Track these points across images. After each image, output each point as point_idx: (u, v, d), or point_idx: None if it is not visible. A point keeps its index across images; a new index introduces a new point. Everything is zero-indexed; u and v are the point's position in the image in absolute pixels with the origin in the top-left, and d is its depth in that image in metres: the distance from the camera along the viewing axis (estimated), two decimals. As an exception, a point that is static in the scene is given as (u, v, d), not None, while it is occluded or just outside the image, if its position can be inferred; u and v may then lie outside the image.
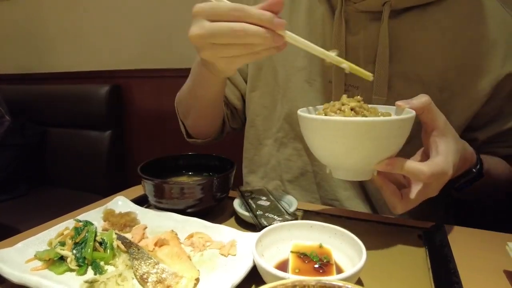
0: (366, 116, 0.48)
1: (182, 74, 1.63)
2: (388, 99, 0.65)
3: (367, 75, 0.50)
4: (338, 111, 0.49)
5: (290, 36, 0.48)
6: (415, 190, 0.51)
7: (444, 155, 0.49)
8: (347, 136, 0.46)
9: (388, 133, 0.46)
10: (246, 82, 0.85)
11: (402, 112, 0.50)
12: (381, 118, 0.47)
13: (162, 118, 1.72)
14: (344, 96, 0.52)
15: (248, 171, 0.89)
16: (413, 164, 0.48)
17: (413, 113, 0.48)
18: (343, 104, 0.50)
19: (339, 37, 0.68)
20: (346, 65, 0.50)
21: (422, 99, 0.49)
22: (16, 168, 1.67)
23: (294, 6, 0.76)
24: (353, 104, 0.49)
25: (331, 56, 0.50)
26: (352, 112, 0.49)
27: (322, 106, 0.54)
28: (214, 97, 0.72)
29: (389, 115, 0.51)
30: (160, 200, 0.60)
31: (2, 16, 2.15)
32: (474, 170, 0.59)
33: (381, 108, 0.54)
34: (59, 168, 1.84)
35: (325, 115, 0.50)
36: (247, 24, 0.46)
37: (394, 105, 0.55)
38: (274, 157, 0.83)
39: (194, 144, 0.86)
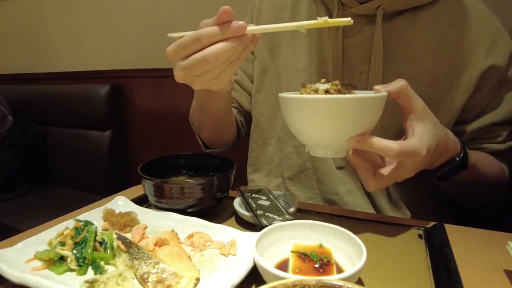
0: None
1: (182, 74, 1.62)
2: None
3: (347, 21, 0.50)
4: (312, 92, 0.51)
5: (255, 30, 0.49)
6: (388, 168, 0.53)
7: (419, 136, 0.50)
8: (316, 113, 0.48)
9: (355, 110, 0.48)
10: None
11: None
12: (347, 96, 0.48)
13: (162, 118, 1.72)
14: (323, 80, 0.53)
15: (253, 169, 0.91)
16: (382, 141, 0.49)
17: (385, 93, 0.50)
18: (316, 90, 0.51)
19: (336, 40, 0.72)
20: (321, 19, 0.50)
21: (398, 83, 0.51)
22: (17, 168, 1.68)
23: (295, 13, 0.80)
24: (328, 86, 0.51)
25: (305, 23, 0.50)
26: (327, 93, 0.50)
27: None
28: (222, 109, 0.74)
29: None
30: (160, 200, 0.60)
31: (2, 16, 2.15)
32: (457, 159, 0.59)
33: (360, 92, 0.54)
34: (60, 167, 1.84)
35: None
36: (214, 47, 0.47)
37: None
38: (277, 155, 0.85)
39: (213, 153, 0.87)
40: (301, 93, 0.53)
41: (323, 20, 0.49)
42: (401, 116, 0.62)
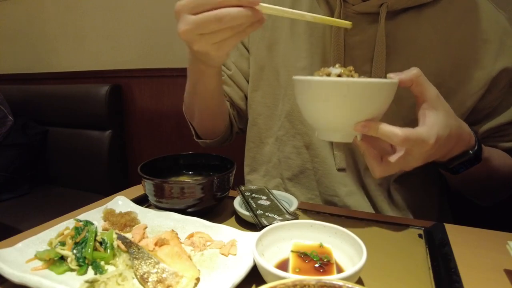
0: None
1: (182, 74, 1.63)
2: None
3: (346, 23, 0.52)
4: (324, 76, 0.51)
5: (267, 7, 0.51)
6: (396, 156, 0.52)
7: (429, 125, 0.50)
8: (325, 95, 0.49)
9: (362, 95, 0.48)
10: (248, 82, 0.86)
11: None
12: (356, 79, 0.48)
13: (162, 118, 1.72)
14: (338, 64, 0.53)
15: (250, 169, 0.90)
16: (387, 127, 0.49)
17: (396, 80, 0.50)
18: (328, 74, 0.52)
19: (338, 38, 0.70)
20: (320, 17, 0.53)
21: (411, 71, 0.51)
22: (18, 168, 1.68)
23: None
24: (341, 70, 0.51)
25: (307, 15, 0.53)
26: (339, 77, 0.50)
27: None
28: (213, 90, 0.73)
29: None
30: (160, 200, 0.60)
31: (2, 16, 2.15)
32: (471, 152, 0.59)
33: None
34: (60, 167, 1.84)
35: None
36: (229, 8, 0.48)
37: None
38: (275, 155, 0.84)
39: (204, 145, 0.87)
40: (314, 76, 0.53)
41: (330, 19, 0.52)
42: (405, 106, 0.61)
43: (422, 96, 0.51)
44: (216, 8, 0.48)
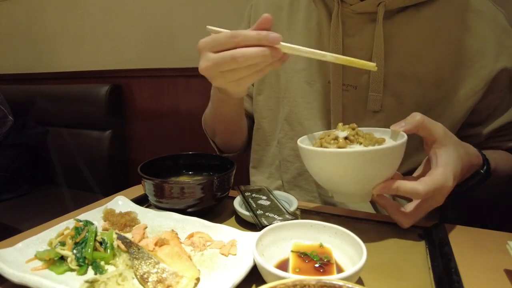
0: (361, 144, 0.51)
1: (182, 73, 1.64)
2: (384, 96, 0.69)
3: (371, 65, 0.51)
4: (332, 141, 0.52)
5: (286, 46, 0.51)
6: (415, 203, 0.54)
7: (444, 166, 0.51)
8: (340, 166, 0.50)
9: (379, 161, 0.49)
10: None
11: (398, 135, 0.53)
12: (370, 148, 0.49)
13: (162, 118, 1.72)
14: (340, 124, 0.54)
15: (255, 171, 0.91)
16: (407, 185, 0.50)
17: (405, 137, 0.50)
18: (336, 138, 0.52)
19: (336, 39, 0.70)
20: (342, 58, 0.51)
21: (414, 119, 0.52)
22: (18, 167, 1.67)
23: (293, 12, 0.78)
24: (347, 133, 0.52)
25: (328, 55, 0.51)
26: (347, 140, 0.51)
27: (320, 133, 0.57)
28: (235, 114, 0.77)
29: (383, 140, 0.52)
30: (160, 200, 0.60)
31: (2, 16, 2.15)
32: (481, 171, 0.60)
33: (377, 132, 0.56)
34: (60, 167, 1.84)
35: (321, 145, 0.52)
36: (245, 49, 0.49)
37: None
38: (277, 158, 0.84)
39: (228, 157, 0.89)
40: (321, 142, 0.53)
41: (345, 59, 0.51)
42: (405, 104, 0.61)
43: (430, 137, 0.52)
44: (235, 48, 0.49)
